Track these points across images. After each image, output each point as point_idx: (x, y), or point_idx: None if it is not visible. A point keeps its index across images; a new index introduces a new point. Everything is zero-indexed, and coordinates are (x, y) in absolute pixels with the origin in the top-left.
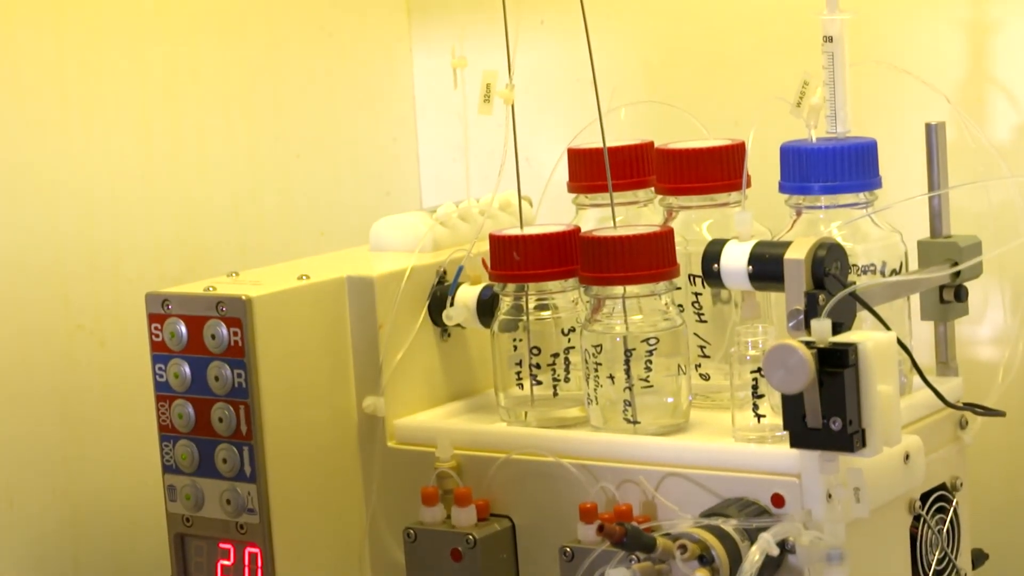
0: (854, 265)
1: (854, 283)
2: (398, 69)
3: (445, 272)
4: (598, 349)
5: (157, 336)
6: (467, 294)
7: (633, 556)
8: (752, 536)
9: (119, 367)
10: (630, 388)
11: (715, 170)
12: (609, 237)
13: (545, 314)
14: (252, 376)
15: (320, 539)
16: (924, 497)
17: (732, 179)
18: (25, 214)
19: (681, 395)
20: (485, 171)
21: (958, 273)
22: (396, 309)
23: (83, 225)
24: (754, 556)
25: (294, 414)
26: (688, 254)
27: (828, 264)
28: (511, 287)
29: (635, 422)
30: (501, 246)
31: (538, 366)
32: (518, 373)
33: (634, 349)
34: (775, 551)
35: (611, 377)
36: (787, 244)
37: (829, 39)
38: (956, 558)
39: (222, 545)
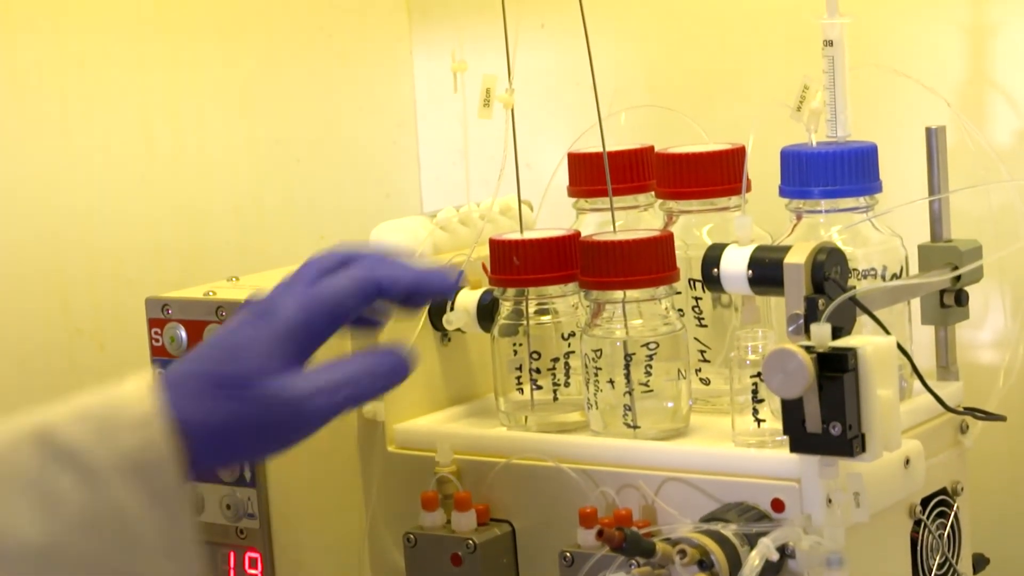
0: (854, 269)
1: (854, 287)
2: (398, 72)
3: None
4: (598, 354)
5: (157, 341)
6: (467, 298)
7: (632, 561)
8: (752, 541)
9: (119, 371)
10: (630, 393)
11: (715, 174)
12: (609, 242)
13: (545, 319)
14: None
15: (320, 544)
16: (925, 502)
17: (732, 183)
18: (25, 218)
19: (681, 400)
20: (486, 175)
21: (958, 277)
22: (396, 313)
23: (83, 229)
24: (754, 561)
25: None
26: (688, 258)
27: (828, 268)
28: (511, 291)
29: (635, 427)
30: (501, 250)
31: (538, 370)
32: (518, 378)
33: (634, 354)
34: (775, 556)
35: (611, 382)
36: (787, 248)
37: (829, 43)
38: (957, 563)
39: (222, 550)
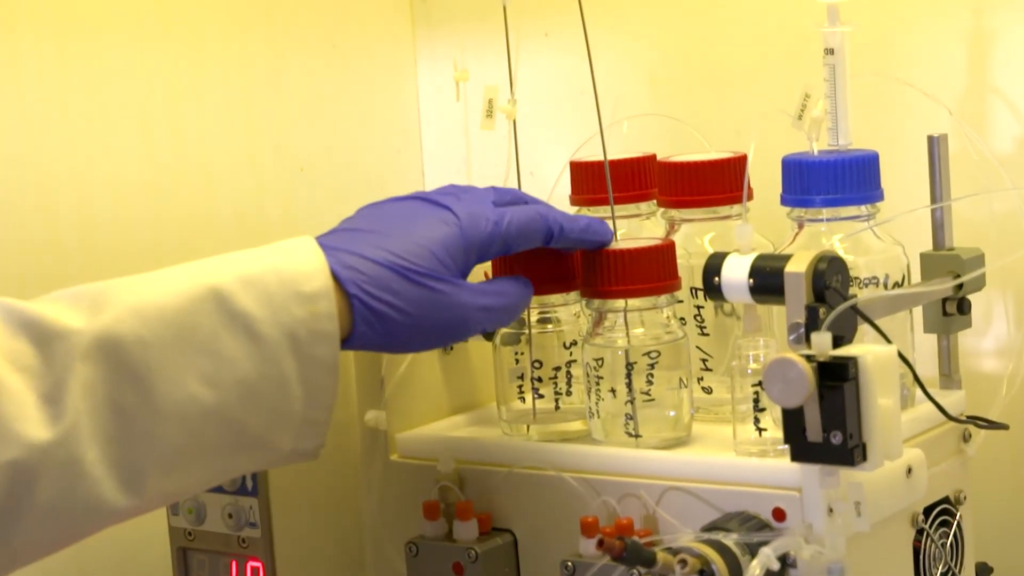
0: (855, 278)
1: (855, 296)
2: (402, 81)
3: None
4: (599, 362)
5: None
6: None
7: (633, 570)
8: (753, 550)
9: None
10: (632, 402)
11: (717, 183)
12: (610, 250)
13: (547, 327)
14: None
15: (322, 553)
16: (927, 511)
17: (734, 192)
18: (26, 225)
19: (683, 408)
20: (489, 183)
21: (961, 285)
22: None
23: (84, 236)
24: (755, 570)
25: None
26: (690, 267)
27: (829, 277)
28: None
29: (636, 436)
30: (503, 259)
31: (540, 379)
32: (520, 387)
33: (636, 362)
34: (776, 565)
35: (613, 390)
36: (788, 257)
37: (830, 51)
38: (960, 572)
39: (224, 559)
